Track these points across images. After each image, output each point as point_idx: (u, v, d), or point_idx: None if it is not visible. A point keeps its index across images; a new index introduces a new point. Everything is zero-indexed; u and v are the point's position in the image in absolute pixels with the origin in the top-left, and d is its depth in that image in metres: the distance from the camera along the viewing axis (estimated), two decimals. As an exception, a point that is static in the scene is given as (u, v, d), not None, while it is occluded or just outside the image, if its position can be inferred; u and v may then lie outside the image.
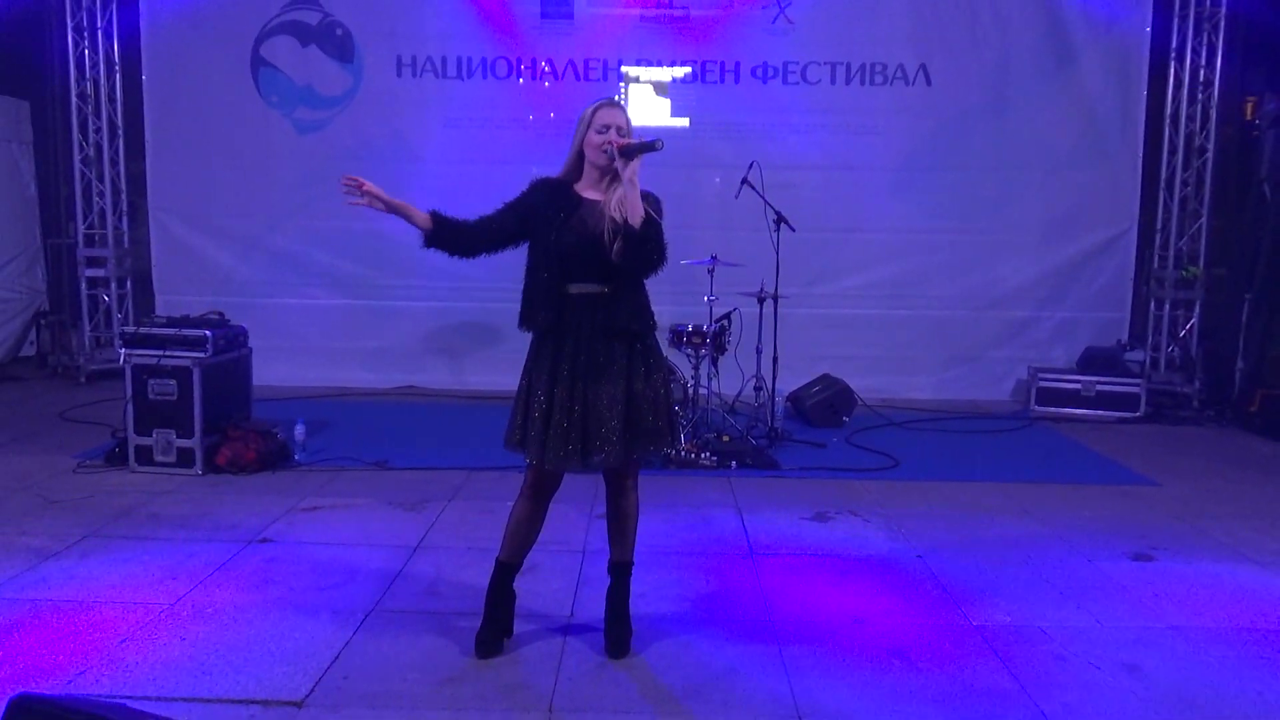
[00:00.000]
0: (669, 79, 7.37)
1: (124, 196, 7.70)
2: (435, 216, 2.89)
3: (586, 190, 2.91)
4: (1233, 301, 7.18)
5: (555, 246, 2.82)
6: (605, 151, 2.79)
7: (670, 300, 6.87)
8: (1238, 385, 7.03)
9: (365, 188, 2.82)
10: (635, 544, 3.09)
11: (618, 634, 3.03)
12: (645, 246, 2.72)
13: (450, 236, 2.90)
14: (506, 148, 7.30)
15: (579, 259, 2.81)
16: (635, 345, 2.86)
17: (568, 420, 2.80)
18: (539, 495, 2.95)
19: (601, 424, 2.80)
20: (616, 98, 7.16)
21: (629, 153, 2.75)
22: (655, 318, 2.96)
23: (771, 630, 3.22)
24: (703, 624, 3.27)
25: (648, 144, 2.76)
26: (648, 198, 2.82)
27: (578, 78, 7.38)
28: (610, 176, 2.83)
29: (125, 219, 7.73)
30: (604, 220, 2.76)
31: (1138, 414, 6.86)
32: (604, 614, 3.09)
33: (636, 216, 2.70)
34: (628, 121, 2.85)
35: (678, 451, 5.27)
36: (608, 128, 2.82)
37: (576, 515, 4.34)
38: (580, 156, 2.90)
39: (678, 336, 5.89)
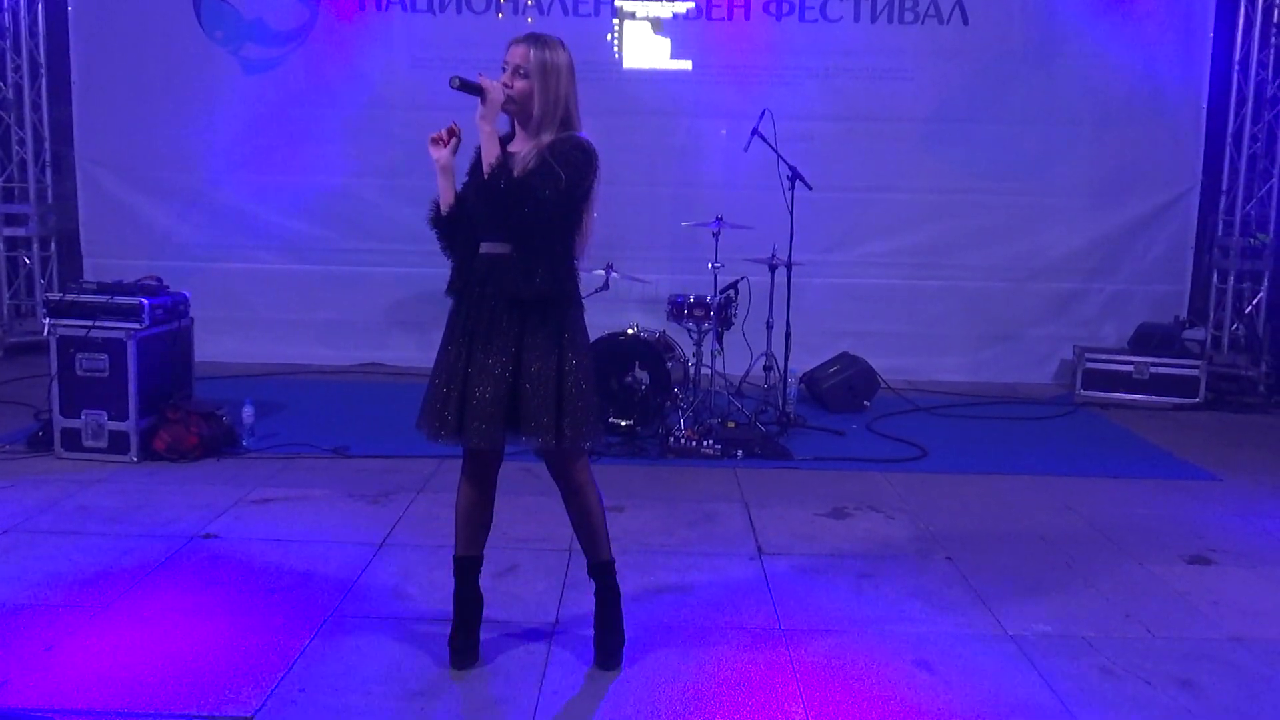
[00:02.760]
0: (669, 14, 7.31)
1: (47, 145, 7.64)
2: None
3: (516, 142, 2.93)
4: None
5: (464, 202, 2.89)
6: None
7: (669, 268, 6.90)
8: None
9: (456, 137, 2.91)
10: (608, 539, 3.07)
11: (608, 642, 3.04)
12: (495, 202, 2.75)
13: (460, 224, 2.91)
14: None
15: (480, 216, 2.86)
16: (531, 315, 2.83)
17: (459, 390, 2.82)
18: (475, 476, 2.98)
19: (474, 398, 2.81)
20: (619, 38, 7.11)
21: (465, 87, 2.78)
22: (574, 288, 2.92)
23: (782, 639, 3.24)
24: (705, 631, 3.28)
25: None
26: (558, 144, 2.80)
27: (565, 12, 7.32)
28: (529, 125, 2.86)
29: (49, 171, 7.68)
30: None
31: (1197, 400, 6.88)
32: (593, 620, 3.09)
33: (486, 165, 2.76)
34: (528, 57, 2.80)
35: (676, 439, 5.28)
36: (505, 68, 2.85)
37: (563, 509, 4.32)
38: None
39: (677, 308, 5.88)
